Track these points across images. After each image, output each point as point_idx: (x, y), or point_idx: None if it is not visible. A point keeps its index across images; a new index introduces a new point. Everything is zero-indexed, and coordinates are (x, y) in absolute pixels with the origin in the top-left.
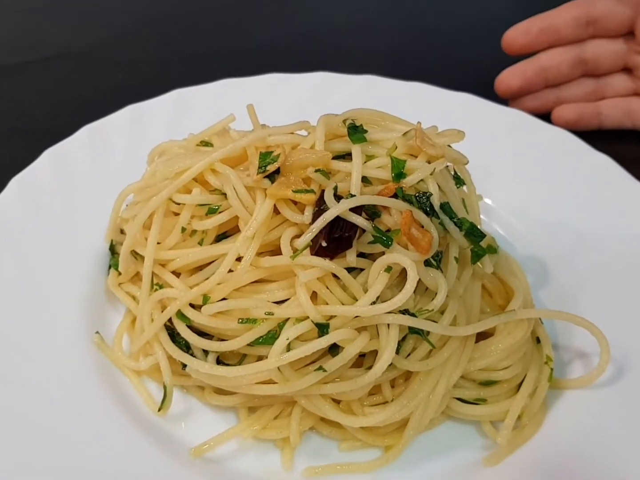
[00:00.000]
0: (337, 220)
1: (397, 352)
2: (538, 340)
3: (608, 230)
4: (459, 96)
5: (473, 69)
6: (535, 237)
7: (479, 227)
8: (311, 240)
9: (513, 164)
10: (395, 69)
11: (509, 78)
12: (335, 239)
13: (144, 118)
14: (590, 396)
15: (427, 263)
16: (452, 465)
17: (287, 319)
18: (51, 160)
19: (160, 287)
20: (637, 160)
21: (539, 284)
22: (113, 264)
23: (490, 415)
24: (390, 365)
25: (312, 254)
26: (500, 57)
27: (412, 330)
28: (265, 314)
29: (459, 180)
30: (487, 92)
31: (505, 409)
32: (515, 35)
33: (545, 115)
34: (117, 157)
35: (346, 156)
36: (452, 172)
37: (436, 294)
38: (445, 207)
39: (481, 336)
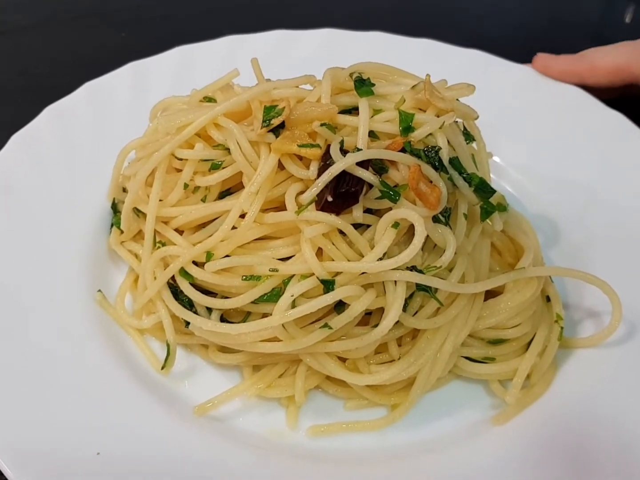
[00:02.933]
0: (344, 175)
1: (404, 309)
2: (548, 299)
3: (620, 187)
4: (467, 52)
5: (480, 24)
6: (546, 196)
7: (489, 183)
8: (317, 196)
9: (522, 121)
10: (402, 25)
11: (546, 62)
12: (341, 194)
13: (146, 75)
14: (600, 355)
15: (435, 219)
16: (460, 425)
17: (292, 276)
18: (52, 117)
19: (163, 244)
20: None
21: (550, 243)
22: (115, 222)
23: (498, 374)
24: (397, 323)
25: (317, 210)
26: (507, 11)
27: (420, 288)
28: (269, 270)
29: (468, 136)
30: (496, 48)
31: (514, 367)
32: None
33: None
34: (119, 114)
35: (352, 111)
36: (462, 128)
37: (444, 250)
38: (454, 161)
39: (490, 294)
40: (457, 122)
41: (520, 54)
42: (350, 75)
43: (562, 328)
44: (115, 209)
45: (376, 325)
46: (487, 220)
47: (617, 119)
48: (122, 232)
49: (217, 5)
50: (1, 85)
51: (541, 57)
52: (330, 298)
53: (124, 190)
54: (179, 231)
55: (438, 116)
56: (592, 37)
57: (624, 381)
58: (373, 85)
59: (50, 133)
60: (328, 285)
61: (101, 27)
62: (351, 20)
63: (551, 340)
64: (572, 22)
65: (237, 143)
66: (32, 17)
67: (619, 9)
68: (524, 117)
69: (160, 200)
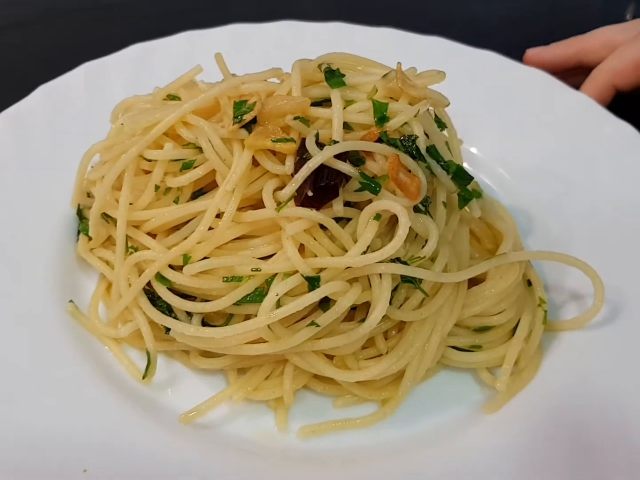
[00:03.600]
0: (321, 169)
1: (390, 302)
2: (529, 284)
3: (596, 173)
4: (429, 40)
5: (476, 20)
6: (522, 186)
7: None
8: (296, 191)
9: (493, 109)
10: (362, 14)
11: (538, 54)
12: (321, 188)
13: (102, 75)
14: (585, 337)
15: (415, 209)
16: (451, 415)
17: (275, 275)
18: (6, 123)
19: (135, 249)
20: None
21: (528, 232)
22: (82, 229)
23: (486, 361)
24: (383, 316)
25: (297, 205)
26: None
27: (404, 280)
28: (251, 270)
29: (440, 124)
30: (492, 44)
31: (501, 354)
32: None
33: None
34: (75, 117)
35: (323, 103)
36: (433, 116)
37: (426, 240)
38: (431, 150)
39: (472, 282)
40: (428, 110)
41: (518, 52)
42: (319, 66)
43: (545, 312)
44: (80, 215)
45: (362, 320)
46: (465, 207)
47: (590, 106)
48: (90, 238)
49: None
50: None
51: (530, 52)
52: (316, 295)
53: (89, 195)
54: (152, 235)
55: (411, 104)
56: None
57: (610, 360)
58: (343, 75)
59: (5, 139)
60: (313, 282)
61: (91, 23)
62: (314, 12)
63: (536, 325)
64: (572, 19)
65: (209, 141)
66: (20, 13)
67: (620, 7)
68: (494, 104)
69: (130, 204)
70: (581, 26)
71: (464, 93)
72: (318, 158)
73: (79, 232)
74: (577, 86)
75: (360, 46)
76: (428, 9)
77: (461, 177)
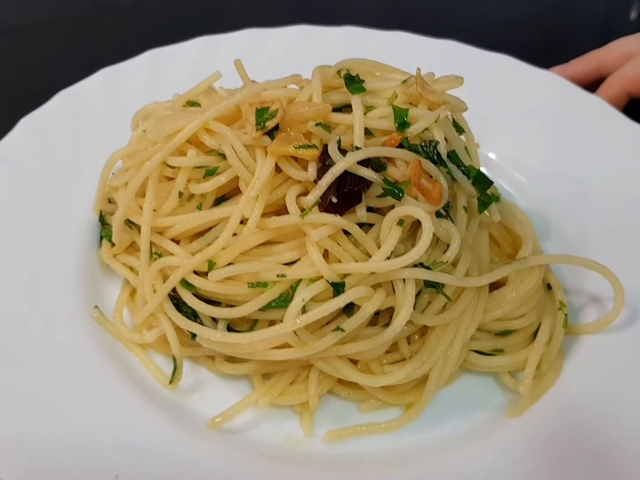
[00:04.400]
0: (345, 175)
1: (413, 307)
2: (549, 287)
3: (611, 175)
4: (442, 43)
5: (483, 21)
6: (537, 189)
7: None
8: (319, 197)
9: (507, 112)
10: (375, 18)
11: (561, 71)
12: (344, 194)
13: (119, 80)
14: (606, 340)
15: (437, 214)
16: (475, 419)
17: (300, 280)
18: (27, 129)
19: (159, 255)
20: None
21: (546, 235)
22: (105, 235)
23: (508, 365)
24: (407, 321)
25: (321, 211)
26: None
27: (427, 284)
28: (277, 276)
29: (458, 128)
30: (498, 45)
31: (523, 358)
32: None
33: None
34: (94, 123)
35: (343, 108)
36: (450, 120)
37: (448, 245)
38: (452, 155)
39: (493, 286)
40: (446, 115)
41: (524, 51)
42: (338, 72)
43: (566, 315)
44: (103, 221)
45: (386, 325)
46: (485, 211)
47: (604, 108)
48: (113, 244)
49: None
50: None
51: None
52: (341, 301)
53: (110, 201)
54: (175, 241)
55: (430, 109)
56: (597, 33)
57: (631, 363)
58: (363, 81)
59: (26, 146)
60: (338, 287)
61: (100, 27)
62: (327, 15)
63: (557, 328)
64: (577, 19)
65: (232, 148)
66: (30, 17)
67: (625, 6)
68: (508, 107)
69: (153, 210)
70: (585, 25)
71: (478, 96)
72: (342, 164)
73: (101, 238)
74: None
75: (374, 50)
76: (439, 12)
77: (481, 181)
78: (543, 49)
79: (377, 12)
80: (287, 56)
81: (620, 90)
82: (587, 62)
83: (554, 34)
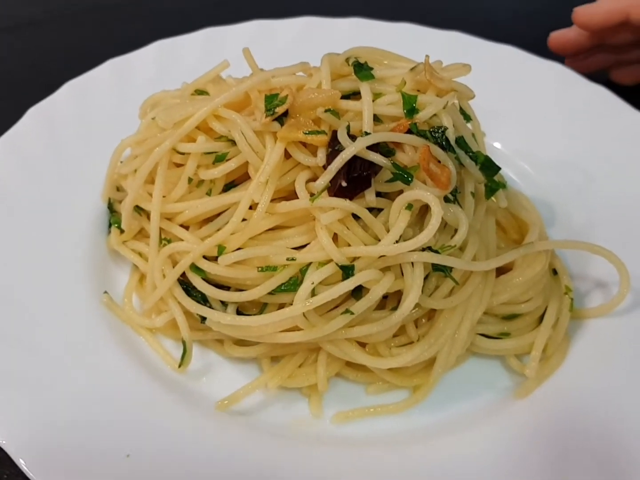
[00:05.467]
0: (354, 160)
1: (421, 290)
2: (555, 272)
3: (616, 164)
4: (448, 35)
5: (460, 8)
6: (544, 177)
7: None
8: (329, 182)
9: (512, 102)
10: (382, 10)
11: (562, 35)
12: (353, 179)
13: (127, 71)
14: (611, 324)
15: (445, 199)
16: (482, 401)
17: (309, 264)
18: (36, 119)
19: (169, 241)
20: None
21: (551, 223)
22: (114, 222)
23: (514, 348)
24: (415, 304)
25: (330, 196)
26: None
27: (435, 268)
28: (286, 260)
29: (465, 116)
30: (477, 28)
31: (529, 341)
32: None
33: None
34: (102, 112)
35: (351, 96)
36: (457, 108)
37: (456, 230)
38: (460, 141)
39: (500, 271)
40: (454, 102)
41: (530, 44)
42: (347, 60)
43: (572, 299)
44: (111, 208)
45: (394, 308)
46: (492, 197)
47: (608, 98)
48: (122, 231)
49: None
50: (13, 79)
51: (580, 9)
52: (351, 283)
53: (118, 189)
54: (184, 227)
55: (438, 97)
56: None
57: (637, 346)
58: (371, 69)
59: (36, 136)
60: (347, 270)
61: (109, 21)
62: (330, 7)
63: (563, 312)
64: None
65: (242, 134)
66: (40, 11)
67: None
68: (514, 98)
69: (163, 197)
70: None
71: (484, 87)
72: (352, 149)
73: (110, 225)
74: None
75: (381, 41)
76: (445, 6)
77: (489, 167)
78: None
79: (384, 4)
80: (294, 47)
81: (623, 5)
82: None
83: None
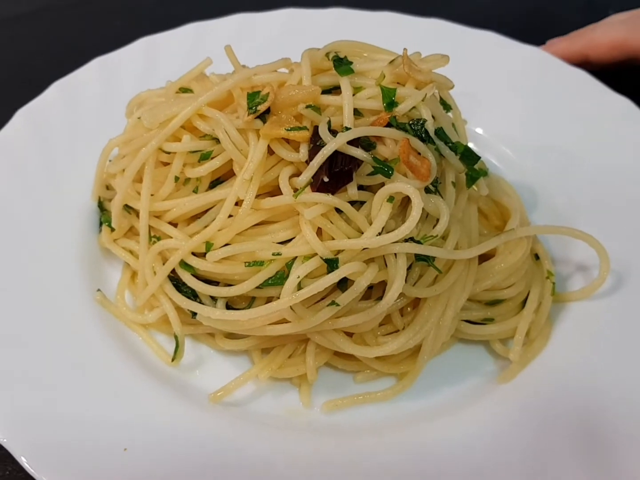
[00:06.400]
0: (335, 155)
1: (405, 280)
2: (537, 257)
3: (596, 146)
4: (428, 22)
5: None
6: (526, 162)
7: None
8: (311, 177)
9: (493, 88)
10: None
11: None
12: (335, 174)
13: (113, 69)
14: (593, 306)
15: (426, 190)
16: (467, 386)
17: (295, 258)
18: (24, 120)
19: (158, 239)
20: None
21: (533, 208)
22: (104, 221)
23: (498, 333)
24: (399, 293)
25: (313, 191)
26: None
27: (418, 258)
28: (272, 254)
29: (445, 106)
30: (456, 15)
31: (513, 326)
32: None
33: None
34: (91, 111)
35: (332, 90)
36: (438, 98)
37: (438, 220)
38: (439, 132)
39: (482, 258)
40: (434, 93)
41: (510, 30)
42: (327, 55)
43: (554, 284)
44: (101, 207)
45: (379, 298)
46: (473, 186)
47: (588, 82)
48: (112, 230)
49: None
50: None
51: (546, 48)
52: (335, 276)
53: (108, 188)
54: (173, 224)
55: (417, 88)
56: (583, 9)
57: (618, 328)
58: (351, 63)
59: (25, 137)
60: (332, 263)
61: (94, 16)
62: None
63: (545, 296)
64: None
65: (226, 132)
66: (26, 6)
67: None
68: (495, 83)
69: (151, 195)
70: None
71: (466, 73)
72: (332, 145)
73: (101, 224)
74: None
75: (362, 31)
76: None
77: (469, 157)
78: (529, 27)
79: None
80: (277, 39)
81: (581, 48)
82: (571, 43)
83: (539, 11)
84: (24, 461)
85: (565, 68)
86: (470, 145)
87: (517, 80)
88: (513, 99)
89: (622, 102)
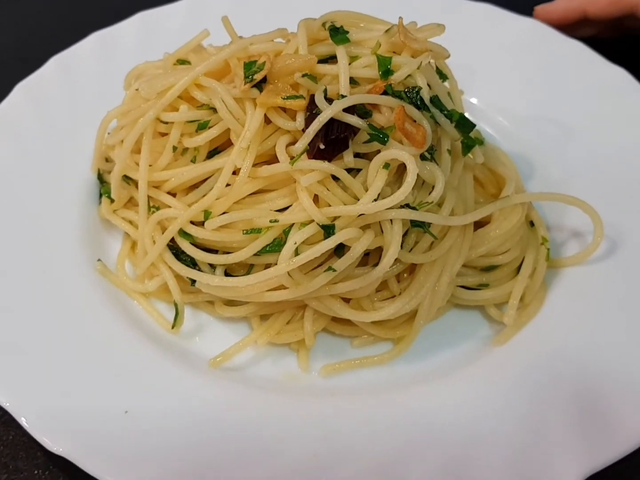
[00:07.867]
0: (331, 123)
1: (401, 246)
2: (532, 224)
3: (592, 117)
4: None
5: None
6: (522, 132)
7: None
8: (308, 145)
9: (490, 59)
10: None
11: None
12: (331, 141)
13: (110, 43)
14: (586, 271)
15: (422, 157)
16: (462, 350)
17: (292, 225)
18: (22, 94)
19: (157, 208)
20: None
21: (529, 177)
22: (104, 192)
23: (493, 298)
24: (395, 259)
25: (309, 158)
26: None
27: (414, 224)
28: (270, 222)
29: (441, 75)
30: None
31: (508, 291)
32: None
33: None
34: (89, 85)
35: (329, 60)
36: (434, 67)
37: (433, 187)
38: (435, 100)
39: (478, 225)
40: (430, 62)
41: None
42: (323, 24)
43: (548, 249)
44: (101, 179)
45: (376, 264)
46: (469, 154)
47: (584, 52)
48: (112, 201)
49: None
50: None
51: (539, 8)
52: (332, 242)
53: (107, 159)
54: (171, 194)
55: (413, 57)
56: None
57: (611, 292)
58: (347, 32)
59: (24, 110)
60: (328, 230)
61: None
62: None
63: (539, 262)
64: None
65: (223, 101)
66: None
67: None
68: (490, 54)
69: (149, 166)
70: None
71: (462, 45)
72: (328, 112)
73: (100, 195)
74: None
75: (358, 2)
76: None
77: (464, 125)
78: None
79: None
80: (273, 11)
81: (579, 4)
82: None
83: None
84: (23, 421)
85: (561, 39)
86: (467, 115)
87: (513, 51)
88: (509, 70)
89: (619, 73)
